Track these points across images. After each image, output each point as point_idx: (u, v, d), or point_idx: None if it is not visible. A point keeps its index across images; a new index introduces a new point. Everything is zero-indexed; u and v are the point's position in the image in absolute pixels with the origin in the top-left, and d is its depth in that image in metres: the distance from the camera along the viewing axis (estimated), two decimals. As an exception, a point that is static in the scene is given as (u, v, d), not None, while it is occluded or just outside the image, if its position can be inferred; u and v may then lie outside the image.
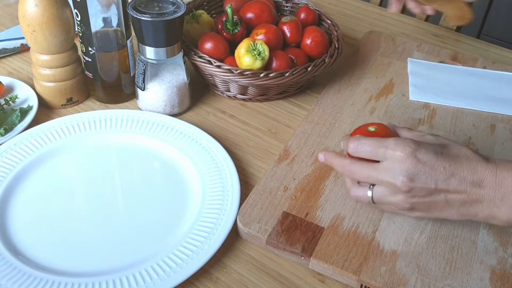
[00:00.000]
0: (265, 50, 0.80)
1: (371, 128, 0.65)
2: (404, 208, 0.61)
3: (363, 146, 0.61)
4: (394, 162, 0.58)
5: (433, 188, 0.58)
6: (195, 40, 0.86)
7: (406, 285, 0.58)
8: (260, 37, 0.84)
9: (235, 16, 0.85)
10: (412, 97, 0.87)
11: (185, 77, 0.82)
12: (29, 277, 0.58)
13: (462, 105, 0.86)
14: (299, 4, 0.98)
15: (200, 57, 0.81)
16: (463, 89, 0.90)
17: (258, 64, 0.80)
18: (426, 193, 0.58)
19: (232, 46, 0.85)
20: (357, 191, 0.63)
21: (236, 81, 0.80)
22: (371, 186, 0.61)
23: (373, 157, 0.60)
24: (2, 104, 0.79)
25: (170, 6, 0.76)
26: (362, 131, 0.65)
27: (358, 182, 0.63)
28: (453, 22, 1.03)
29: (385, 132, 0.65)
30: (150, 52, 0.77)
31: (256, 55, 0.80)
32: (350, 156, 0.63)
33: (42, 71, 0.80)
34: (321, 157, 0.65)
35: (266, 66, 0.82)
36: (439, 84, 0.90)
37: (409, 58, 0.97)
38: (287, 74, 0.80)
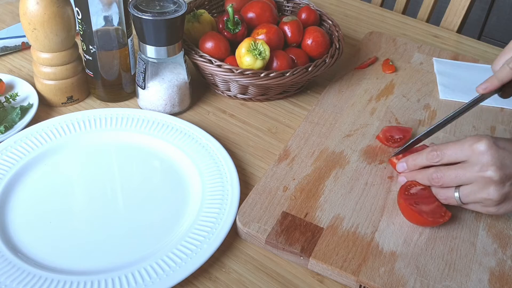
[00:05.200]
0: (266, 50, 0.80)
1: None
2: (495, 201, 0.61)
3: (446, 151, 0.63)
4: (478, 156, 0.60)
5: None
6: (196, 39, 0.86)
7: (405, 286, 0.58)
8: (261, 37, 0.84)
9: (236, 16, 0.85)
10: (442, 96, 0.88)
11: (186, 76, 0.82)
12: (28, 275, 0.58)
13: (491, 103, 0.86)
14: (300, 4, 0.98)
15: (201, 56, 0.81)
16: None
17: (258, 64, 0.80)
18: None
19: (233, 45, 0.85)
20: (446, 193, 0.64)
21: (237, 80, 0.80)
22: (457, 187, 0.63)
23: (456, 159, 0.62)
24: (2, 101, 0.79)
25: (171, 5, 0.76)
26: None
27: None
28: None
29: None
30: (151, 51, 0.77)
31: (257, 55, 0.80)
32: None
33: (43, 69, 0.80)
34: (402, 179, 0.68)
35: (267, 66, 0.82)
36: (467, 83, 0.91)
37: (434, 58, 0.98)
38: (287, 74, 0.80)
